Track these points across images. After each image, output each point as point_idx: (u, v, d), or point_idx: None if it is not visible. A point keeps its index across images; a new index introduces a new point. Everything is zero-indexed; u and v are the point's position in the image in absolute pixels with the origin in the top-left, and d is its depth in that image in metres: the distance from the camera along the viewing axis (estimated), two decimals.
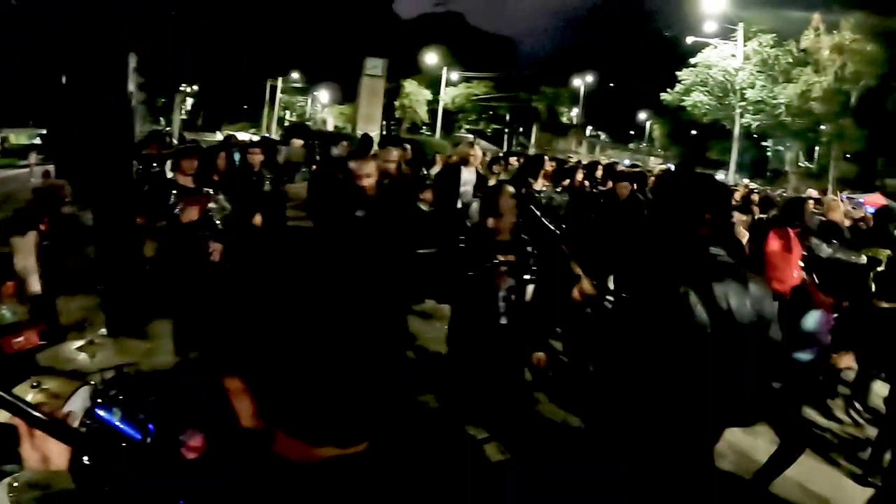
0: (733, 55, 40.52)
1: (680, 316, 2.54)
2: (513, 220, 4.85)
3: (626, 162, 52.77)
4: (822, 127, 41.53)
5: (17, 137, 34.91)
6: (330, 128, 57.74)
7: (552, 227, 6.74)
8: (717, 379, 2.53)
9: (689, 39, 41.26)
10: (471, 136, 52.68)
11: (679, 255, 2.73)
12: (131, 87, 7.19)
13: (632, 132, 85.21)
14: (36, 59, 35.02)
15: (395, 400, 1.21)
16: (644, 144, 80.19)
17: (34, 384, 2.99)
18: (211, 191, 7.25)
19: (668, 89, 44.50)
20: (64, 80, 38.14)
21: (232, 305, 1.18)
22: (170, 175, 7.54)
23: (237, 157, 10.61)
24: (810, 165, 48.55)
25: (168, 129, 41.65)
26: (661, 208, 2.95)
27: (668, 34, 59.37)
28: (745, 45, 40.07)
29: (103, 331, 7.04)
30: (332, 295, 1.15)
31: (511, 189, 4.99)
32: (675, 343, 2.56)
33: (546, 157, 11.99)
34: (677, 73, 43.83)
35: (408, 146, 12.96)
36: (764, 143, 49.38)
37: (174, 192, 6.94)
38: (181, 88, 50.74)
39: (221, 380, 1.17)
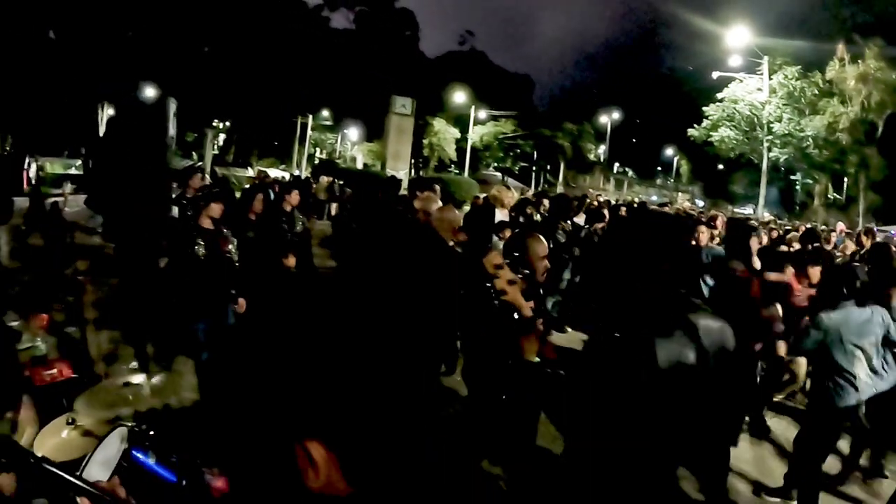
0: (759, 89, 40.15)
1: (640, 358, 2.54)
2: (545, 267, 4.79)
3: (654, 198, 52.72)
4: (851, 158, 41.08)
5: (53, 167, 35.45)
6: (359, 165, 58.09)
7: None
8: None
9: (715, 74, 41.10)
10: (498, 175, 52.61)
11: (642, 296, 2.71)
12: (172, 130, 7.41)
13: (658, 168, 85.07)
14: (72, 92, 35.79)
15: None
16: (671, 180, 79.93)
17: (69, 421, 3.11)
18: (229, 233, 7.36)
19: (695, 125, 44.26)
20: (103, 116, 38.79)
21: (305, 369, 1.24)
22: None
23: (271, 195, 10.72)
24: (839, 197, 48.05)
25: (200, 163, 42.14)
26: (621, 247, 2.89)
27: (691, 69, 59.38)
28: (770, 79, 39.70)
29: (133, 364, 7.12)
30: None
31: (541, 236, 4.93)
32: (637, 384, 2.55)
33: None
34: (704, 108, 43.48)
35: (437, 187, 13.07)
36: (792, 177, 48.91)
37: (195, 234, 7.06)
38: (213, 124, 51.39)
39: (300, 442, 1.21)
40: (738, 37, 39.03)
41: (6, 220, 9.24)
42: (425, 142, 57.82)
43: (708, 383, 2.58)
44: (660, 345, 2.53)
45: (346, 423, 1.21)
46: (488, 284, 3.08)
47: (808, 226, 20.59)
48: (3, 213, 8.99)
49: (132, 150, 7.69)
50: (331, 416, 1.21)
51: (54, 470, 1.71)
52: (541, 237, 4.97)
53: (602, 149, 71.79)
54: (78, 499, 1.70)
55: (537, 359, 2.71)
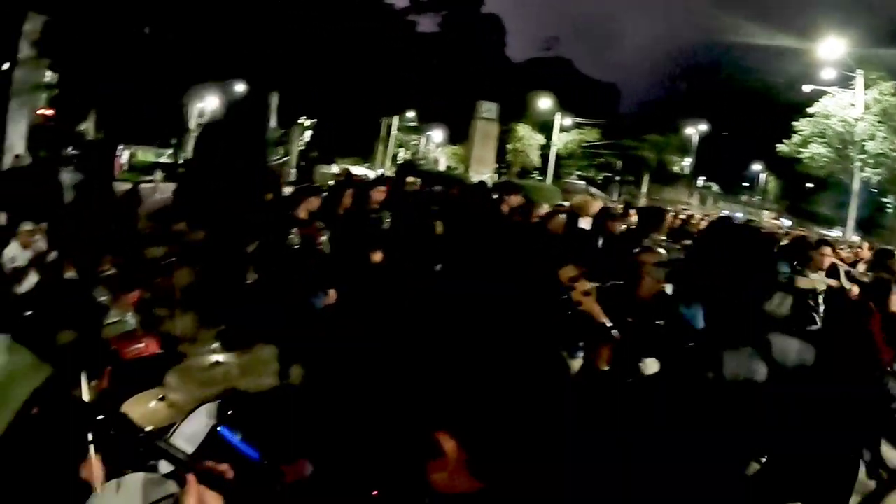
0: (852, 104, 38.21)
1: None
2: (656, 288, 4.21)
3: (739, 215, 51.51)
4: None
5: (145, 155, 36.73)
6: (441, 167, 58.39)
7: None
8: None
9: (807, 88, 39.72)
10: (582, 183, 52.23)
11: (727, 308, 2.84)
12: (273, 122, 7.61)
13: (744, 184, 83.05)
14: (165, 85, 36.91)
15: None
16: (757, 197, 78.00)
17: (161, 397, 3.16)
18: (323, 224, 7.53)
19: (785, 140, 42.76)
20: (193, 109, 39.78)
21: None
22: None
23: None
24: None
25: (287, 158, 43.25)
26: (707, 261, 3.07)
27: (782, 81, 57.55)
28: (864, 94, 37.87)
29: (216, 345, 7.23)
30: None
31: (662, 252, 4.48)
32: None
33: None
34: (794, 123, 41.89)
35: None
36: (885, 200, 47.08)
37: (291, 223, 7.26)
38: (299, 121, 52.33)
39: (432, 434, 1.20)
40: (830, 49, 37.55)
41: None
42: (509, 147, 57.85)
43: (786, 402, 2.62)
44: (727, 358, 2.59)
45: (480, 418, 1.19)
46: (564, 296, 3.04)
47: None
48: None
49: (235, 142, 7.92)
50: (465, 411, 1.19)
51: (164, 446, 1.73)
52: (659, 252, 4.46)
53: (687, 161, 70.48)
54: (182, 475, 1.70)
55: (607, 367, 2.73)
